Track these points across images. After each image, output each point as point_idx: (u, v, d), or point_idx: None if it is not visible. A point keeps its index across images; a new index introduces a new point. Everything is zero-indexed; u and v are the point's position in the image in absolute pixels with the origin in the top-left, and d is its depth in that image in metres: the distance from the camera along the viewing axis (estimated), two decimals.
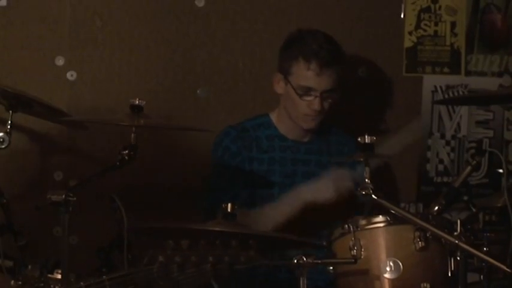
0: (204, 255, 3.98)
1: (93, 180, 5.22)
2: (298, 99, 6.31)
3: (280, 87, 6.43)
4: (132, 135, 5.39)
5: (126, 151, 5.34)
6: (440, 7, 6.97)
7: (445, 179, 6.71)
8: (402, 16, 7.01)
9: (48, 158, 5.83)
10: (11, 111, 5.54)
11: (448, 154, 6.99)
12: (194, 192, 6.57)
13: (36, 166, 5.79)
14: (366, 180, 5.24)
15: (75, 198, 4.90)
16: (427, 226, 5.14)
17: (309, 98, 6.27)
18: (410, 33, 7.00)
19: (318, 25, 6.63)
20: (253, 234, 5.25)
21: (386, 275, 5.15)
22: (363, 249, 5.17)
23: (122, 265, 5.42)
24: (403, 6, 6.96)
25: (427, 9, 6.95)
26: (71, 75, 6.63)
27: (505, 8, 6.89)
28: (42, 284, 5.31)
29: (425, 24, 7.00)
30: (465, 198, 5.62)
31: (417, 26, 6.99)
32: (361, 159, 5.40)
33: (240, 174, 6.15)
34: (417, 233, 5.16)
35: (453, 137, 7.02)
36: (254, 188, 6.26)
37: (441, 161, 6.82)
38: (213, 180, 6.34)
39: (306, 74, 6.27)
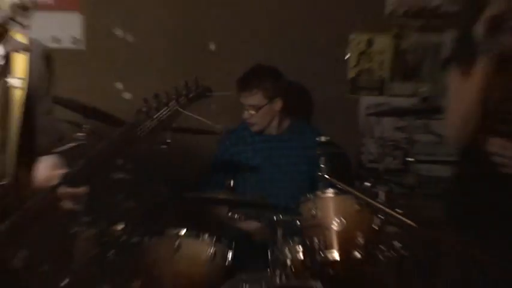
0: None
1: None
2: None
3: None
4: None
5: None
6: (373, 50, 7.22)
7: (374, 165, 7.06)
8: (347, 56, 7.22)
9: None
10: (86, 119, 5.62)
11: (376, 148, 7.24)
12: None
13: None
14: (322, 166, 5.82)
15: None
16: (361, 195, 5.40)
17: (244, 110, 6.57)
18: (352, 68, 7.22)
19: (279, 61, 6.72)
20: (245, 201, 6.16)
21: (334, 227, 5.63)
22: (319, 210, 5.71)
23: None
24: (348, 50, 7.17)
25: (364, 52, 7.19)
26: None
27: (417, 50, 7.29)
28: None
29: (363, 62, 7.22)
30: (387, 177, 6.20)
31: (357, 64, 7.20)
32: (319, 152, 5.86)
33: (230, 163, 6.37)
34: (355, 201, 5.66)
35: (379, 137, 7.24)
36: (242, 172, 6.40)
37: (371, 154, 7.13)
38: (211, 174, 6.55)
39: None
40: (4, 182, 3.79)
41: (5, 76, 3.73)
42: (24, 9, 3.52)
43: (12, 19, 3.50)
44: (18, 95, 3.78)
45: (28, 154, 3.90)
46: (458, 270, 4.22)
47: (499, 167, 3.86)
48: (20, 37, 3.80)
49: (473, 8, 3.90)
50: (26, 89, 3.79)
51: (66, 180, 3.70)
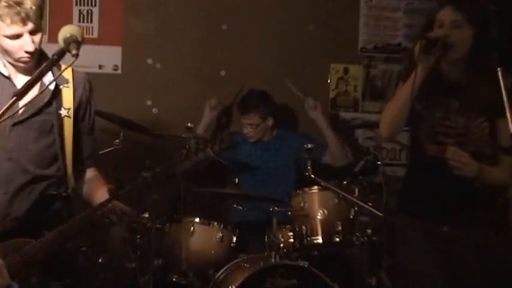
0: None
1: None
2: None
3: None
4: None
5: None
6: (348, 76, 7.14)
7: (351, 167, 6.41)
8: (328, 81, 7.12)
9: (140, 153, 5.94)
10: (122, 128, 5.67)
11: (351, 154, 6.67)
12: None
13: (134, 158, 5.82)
14: (309, 167, 5.69)
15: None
16: (339, 191, 5.60)
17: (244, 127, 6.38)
18: (332, 90, 7.13)
19: (276, 84, 6.67)
20: (248, 195, 6.08)
21: (318, 217, 5.66)
22: (306, 203, 5.71)
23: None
24: (329, 75, 7.07)
25: (341, 78, 7.13)
26: None
27: (383, 77, 7.25)
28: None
29: (340, 86, 7.14)
30: (360, 177, 6.19)
31: (336, 87, 7.12)
32: (307, 156, 5.76)
33: (234, 164, 6.21)
34: (335, 195, 5.68)
35: (354, 145, 6.99)
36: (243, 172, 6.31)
37: (348, 157, 6.65)
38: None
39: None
40: (67, 193, 3.80)
41: (59, 109, 3.70)
42: (76, 43, 3.41)
43: (66, 50, 3.39)
44: (68, 123, 3.75)
45: (78, 168, 3.90)
46: (412, 248, 4.20)
47: (452, 170, 3.85)
48: (67, 73, 3.74)
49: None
50: (73, 115, 3.75)
51: (117, 197, 3.71)
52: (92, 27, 6.59)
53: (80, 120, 3.86)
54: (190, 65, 6.88)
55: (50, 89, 3.68)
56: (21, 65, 3.64)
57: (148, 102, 6.71)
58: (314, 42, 7.08)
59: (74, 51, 3.37)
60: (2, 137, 3.61)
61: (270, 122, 6.44)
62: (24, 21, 3.48)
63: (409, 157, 4.28)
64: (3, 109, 3.11)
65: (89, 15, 6.59)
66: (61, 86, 3.73)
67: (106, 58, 6.66)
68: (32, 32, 3.54)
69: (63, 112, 3.73)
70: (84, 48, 3.68)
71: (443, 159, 3.91)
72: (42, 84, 3.59)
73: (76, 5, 6.54)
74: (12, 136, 3.63)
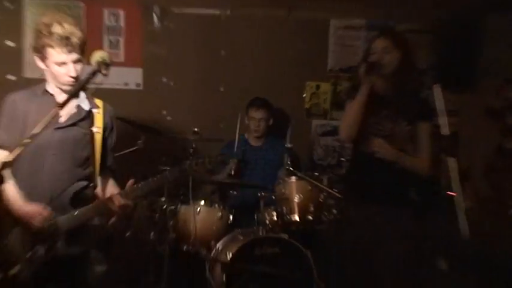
0: None
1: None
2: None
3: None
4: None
5: None
6: (320, 91, 7.06)
7: (320, 162, 6.94)
8: (304, 95, 7.02)
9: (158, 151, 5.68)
10: (142, 132, 5.60)
11: (321, 152, 7.00)
12: None
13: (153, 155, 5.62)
14: (288, 162, 5.70)
15: None
16: (312, 181, 5.54)
17: (252, 123, 6.38)
18: (307, 102, 7.06)
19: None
20: (243, 183, 6.09)
21: (295, 200, 5.59)
22: (286, 189, 5.68)
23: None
24: (304, 91, 7.00)
25: (314, 93, 7.04)
26: None
27: (348, 93, 7.11)
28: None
29: (313, 99, 7.06)
30: (328, 170, 6.13)
31: (310, 100, 7.03)
32: (287, 151, 5.73)
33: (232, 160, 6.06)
34: (308, 183, 5.61)
35: (324, 145, 7.03)
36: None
37: (318, 155, 6.98)
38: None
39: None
40: (93, 185, 3.96)
41: (92, 126, 3.85)
42: (105, 65, 3.50)
43: (98, 71, 3.47)
44: (98, 138, 3.91)
45: (102, 171, 4.04)
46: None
47: (375, 156, 4.10)
48: (98, 101, 3.99)
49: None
50: (102, 134, 3.92)
51: (128, 194, 3.90)
52: (119, 53, 6.55)
53: (107, 138, 4.01)
54: (196, 83, 6.83)
55: (85, 110, 3.86)
56: (66, 87, 3.77)
57: (164, 112, 6.67)
58: (293, 65, 7.01)
59: (104, 72, 3.46)
60: (47, 137, 3.68)
61: (270, 122, 6.43)
62: (70, 52, 3.65)
63: (351, 153, 4.34)
64: (47, 117, 3.22)
65: (117, 43, 6.55)
66: (94, 110, 3.89)
67: (130, 77, 6.62)
68: (75, 61, 3.69)
69: (95, 129, 3.87)
70: (113, 70, 3.78)
71: (372, 154, 4.12)
72: (79, 105, 3.81)
73: (106, 35, 6.49)
74: (55, 138, 3.74)
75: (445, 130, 3.78)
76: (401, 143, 4.10)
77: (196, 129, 5.63)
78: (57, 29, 3.63)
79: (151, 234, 5.81)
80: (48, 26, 3.63)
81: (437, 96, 3.85)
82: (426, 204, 6.20)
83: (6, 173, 3.61)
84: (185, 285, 5.90)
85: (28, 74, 6.27)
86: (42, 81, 5.21)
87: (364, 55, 4.19)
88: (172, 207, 5.80)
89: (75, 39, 3.67)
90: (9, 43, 6.27)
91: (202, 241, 5.72)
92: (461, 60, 6.70)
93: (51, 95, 3.83)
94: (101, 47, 6.38)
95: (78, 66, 3.75)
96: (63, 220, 3.72)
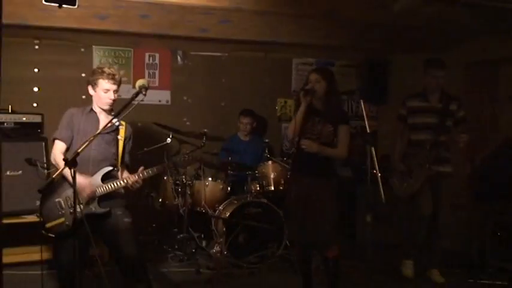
0: None
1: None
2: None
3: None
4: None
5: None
6: (287, 105, 6.99)
7: (287, 151, 6.51)
8: (276, 108, 6.97)
9: (180, 144, 5.69)
10: (170, 132, 5.45)
11: (288, 144, 6.52)
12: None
13: (176, 147, 5.66)
14: (266, 152, 5.84)
15: None
16: (282, 163, 5.62)
17: (242, 125, 6.23)
18: (278, 112, 6.96)
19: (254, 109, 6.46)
20: (237, 165, 5.88)
21: (271, 176, 5.62)
22: (265, 169, 5.69)
23: None
24: (277, 105, 6.97)
25: (283, 106, 6.98)
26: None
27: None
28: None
29: (283, 110, 7.00)
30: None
31: (280, 110, 6.98)
32: (265, 144, 5.91)
33: (229, 150, 5.97)
34: (280, 165, 5.65)
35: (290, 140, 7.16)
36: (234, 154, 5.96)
37: (286, 146, 6.65)
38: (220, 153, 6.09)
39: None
40: (116, 170, 4.03)
41: (117, 135, 3.97)
42: (145, 88, 3.71)
43: (139, 92, 3.68)
44: (121, 143, 4.00)
45: (122, 164, 4.09)
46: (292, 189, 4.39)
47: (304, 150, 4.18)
48: (123, 122, 4.03)
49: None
50: (123, 141, 4.00)
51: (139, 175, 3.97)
52: (155, 81, 6.44)
53: (126, 144, 4.05)
54: (206, 100, 6.73)
55: (115, 125, 3.92)
56: (106, 107, 3.93)
57: (184, 119, 6.56)
58: (269, 88, 6.96)
59: (143, 92, 3.69)
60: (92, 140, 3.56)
61: (254, 124, 6.31)
62: (113, 84, 3.88)
63: (296, 146, 4.30)
64: (106, 124, 3.50)
65: (154, 74, 6.44)
66: (120, 126, 3.98)
67: (162, 96, 6.49)
68: (114, 91, 3.90)
69: (119, 137, 3.98)
70: (151, 92, 4.47)
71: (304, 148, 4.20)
72: (112, 123, 3.76)
73: (147, 69, 6.40)
74: (96, 141, 3.70)
75: (368, 129, 3.80)
76: (326, 139, 4.19)
77: (205, 130, 5.56)
78: (106, 69, 3.88)
79: (175, 200, 5.73)
80: (102, 67, 3.92)
81: (362, 107, 3.91)
82: (357, 178, 6.25)
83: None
84: (198, 234, 5.83)
85: None
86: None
87: (304, 84, 4.29)
88: (190, 182, 5.71)
89: (116, 77, 3.89)
90: (83, 74, 6.07)
91: (209, 205, 5.65)
92: (378, 84, 6.69)
93: (95, 112, 3.96)
94: (142, 77, 6.25)
95: (116, 94, 3.91)
96: (98, 190, 3.83)
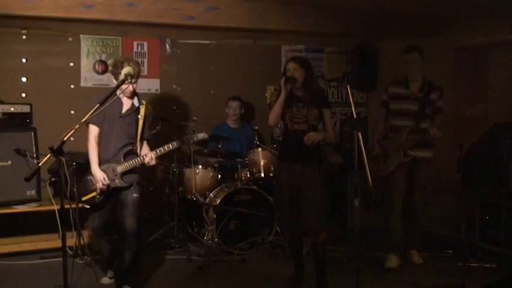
0: None
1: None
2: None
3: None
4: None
5: None
6: (276, 92, 6.15)
7: (277, 138, 6.40)
8: (266, 95, 6.93)
9: (170, 132, 5.53)
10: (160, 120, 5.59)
11: (278, 131, 6.44)
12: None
13: (166, 135, 5.47)
14: (256, 139, 5.83)
15: None
16: (272, 150, 5.57)
17: (231, 110, 6.21)
18: (268, 99, 6.89)
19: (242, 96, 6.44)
20: (226, 152, 5.86)
21: (261, 163, 5.61)
22: (255, 156, 5.67)
23: None
24: (266, 92, 6.95)
25: (272, 93, 6.86)
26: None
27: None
28: None
29: (272, 97, 6.82)
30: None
31: (270, 97, 6.88)
32: (255, 131, 5.91)
33: (219, 138, 5.93)
34: (269, 152, 5.65)
35: (279, 127, 6.02)
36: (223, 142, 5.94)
37: (276, 133, 6.54)
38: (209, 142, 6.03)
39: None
40: (136, 147, 4.39)
41: (138, 114, 4.32)
42: (131, 76, 4.03)
43: (125, 80, 3.97)
44: (141, 122, 4.35)
45: (142, 140, 4.45)
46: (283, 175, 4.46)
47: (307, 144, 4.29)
48: (143, 101, 4.41)
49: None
50: (143, 119, 4.34)
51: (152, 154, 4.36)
52: (144, 69, 6.36)
53: (146, 122, 4.40)
54: (195, 88, 6.71)
55: (136, 106, 4.33)
56: (128, 95, 4.28)
57: (174, 107, 6.56)
58: (259, 75, 6.95)
59: (129, 80, 4.07)
60: (115, 121, 4.26)
61: (242, 110, 6.29)
62: (133, 79, 4.18)
63: (282, 132, 4.50)
64: (92, 111, 3.39)
65: (142, 63, 6.36)
66: (140, 106, 4.33)
67: (152, 85, 6.46)
68: (134, 82, 4.21)
69: (139, 117, 4.32)
70: (140, 80, 4.41)
71: (296, 131, 4.34)
72: (133, 103, 4.31)
73: (135, 57, 6.19)
74: (119, 121, 4.27)
75: (355, 115, 3.84)
76: (314, 121, 4.32)
77: (195, 118, 5.64)
78: (124, 70, 4.11)
79: (166, 188, 5.78)
80: (123, 62, 4.18)
81: (349, 93, 3.96)
82: (348, 164, 6.28)
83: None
84: (189, 222, 5.87)
85: (83, 84, 6.17)
86: (92, 89, 6.05)
87: (283, 72, 4.40)
88: (180, 170, 5.73)
89: (134, 74, 4.16)
90: (71, 64, 6.16)
91: (200, 192, 5.68)
92: (368, 70, 6.71)
93: (118, 98, 4.18)
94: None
95: (135, 85, 4.24)
96: (120, 167, 4.24)
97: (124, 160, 4.26)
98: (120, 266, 4.37)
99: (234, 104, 6.25)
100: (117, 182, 4.25)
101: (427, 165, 5.12)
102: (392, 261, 5.10)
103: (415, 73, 5.06)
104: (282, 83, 4.26)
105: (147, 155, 4.27)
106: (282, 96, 4.27)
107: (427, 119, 4.99)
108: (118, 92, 4.08)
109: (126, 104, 4.30)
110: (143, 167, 4.36)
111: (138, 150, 4.38)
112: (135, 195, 4.27)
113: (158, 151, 4.34)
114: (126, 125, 4.28)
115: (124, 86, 4.10)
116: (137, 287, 4.38)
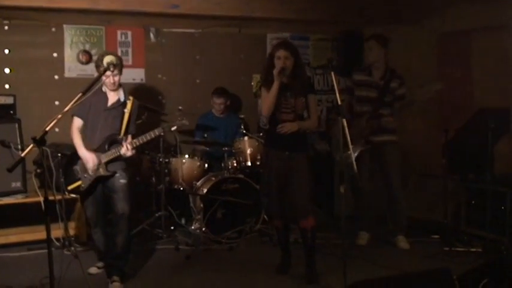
0: None
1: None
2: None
3: None
4: None
5: None
6: None
7: (264, 127, 6.48)
8: (252, 84, 6.95)
9: (155, 123, 5.88)
10: (146, 111, 5.69)
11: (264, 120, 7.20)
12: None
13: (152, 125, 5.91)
14: (242, 127, 5.85)
15: None
16: (258, 139, 5.58)
17: (215, 106, 6.19)
18: (254, 88, 6.94)
19: (227, 86, 6.44)
20: (212, 142, 5.89)
21: (248, 152, 5.60)
22: (241, 145, 5.66)
23: None
24: (252, 81, 6.94)
25: (258, 81, 6.72)
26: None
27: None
28: None
29: (258, 85, 6.68)
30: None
31: (256, 86, 6.89)
32: (240, 120, 5.94)
33: (205, 127, 5.95)
34: (255, 141, 5.64)
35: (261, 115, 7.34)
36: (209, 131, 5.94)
37: (263, 122, 6.61)
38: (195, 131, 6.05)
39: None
40: (123, 139, 4.37)
41: (124, 109, 4.35)
42: (113, 65, 4.04)
43: (107, 69, 4.01)
44: (126, 116, 4.37)
45: (126, 134, 4.40)
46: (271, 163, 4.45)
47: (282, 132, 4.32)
48: (130, 97, 4.44)
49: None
50: (129, 113, 4.36)
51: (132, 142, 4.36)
52: (128, 59, 6.34)
53: (132, 116, 4.40)
54: (180, 77, 6.70)
55: (121, 100, 4.39)
56: (111, 88, 4.35)
57: (159, 97, 6.56)
58: (244, 64, 6.94)
59: (111, 69, 4.09)
60: (100, 114, 4.36)
61: (228, 103, 6.28)
62: (113, 70, 4.17)
63: (269, 120, 4.42)
64: (74, 101, 3.40)
65: (127, 52, 6.37)
66: (127, 101, 4.38)
67: (136, 75, 6.43)
68: (115, 75, 4.27)
69: (125, 111, 4.35)
70: (125, 70, 4.48)
71: (284, 121, 4.32)
72: (119, 98, 4.39)
73: (119, 47, 6.32)
74: (103, 115, 4.35)
75: (339, 101, 3.85)
76: (300, 111, 4.33)
77: (180, 108, 5.54)
78: (106, 58, 4.19)
79: (153, 178, 5.78)
80: (104, 54, 4.26)
81: (333, 79, 3.98)
82: (335, 151, 6.27)
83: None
84: (176, 211, 5.86)
85: (67, 75, 6.16)
86: (76, 79, 6.06)
87: (269, 57, 4.38)
88: (166, 159, 5.73)
89: (117, 63, 4.20)
90: (55, 54, 6.14)
91: (187, 182, 5.69)
92: (353, 57, 6.71)
93: (104, 92, 4.36)
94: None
95: (117, 77, 4.29)
96: (104, 156, 4.31)
97: (109, 150, 4.33)
98: (111, 252, 4.40)
99: (219, 100, 6.22)
100: (101, 171, 4.32)
101: (393, 148, 5.25)
102: (363, 238, 5.37)
103: (373, 61, 5.23)
104: (275, 73, 4.22)
105: (123, 145, 4.28)
106: (276, 86, 4.23)
107: (386, 106, 5.15)
108: (103, 88, 4.25)
109: (112, 97, 4.38)
110: (126, 157, 4.38)
111: (123, 143, 4.37)
112: (122, 180, 4.33)
113: (140, 139, 4.34)
114: (111, 118, 4.35)
115: (105, 78, 4.16)
116: (126, 278, 4.40)
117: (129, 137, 4.40)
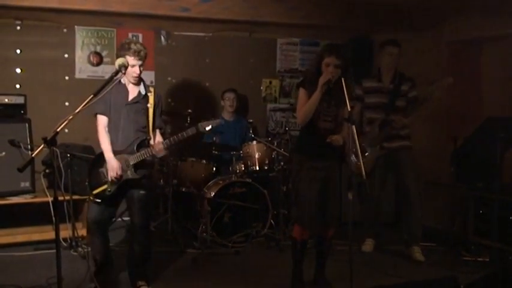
0: None
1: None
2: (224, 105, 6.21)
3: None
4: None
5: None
6: (272, 85, 6.98)
7: (272, 131, 6.83)
8: (261, 88, 6.98)
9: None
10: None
11: (273, 124, 6.88)
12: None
13: None
14: (251, 132, 5.87)
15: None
16: (267, 143, 5.59)
17: (227, 102, 6.16)
18: (263, 92, 6.95)
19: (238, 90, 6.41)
20: (222, 145, 5.87)
21: (256, 156, 5.58)
22: (250, 149, 5.64)
23: None
24: (262, 85, 6.99)
25: (268, 86, 6.98)
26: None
27: (289, 85, 7.03)
28: None
29: (268, 90, 6.96)
30: (277, 136, 6.10)
31: (265, 90, 6.97)
32: (249, 124, 5.95)
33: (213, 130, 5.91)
34: (264, 145, 5.62)
35: (275, 120, 6.91)
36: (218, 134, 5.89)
37: (272, 127, 6.86)
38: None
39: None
40: (149, 138, 4.18)
41: (147, 103, 4.12)
42: (124, 67, 3.76)
43: (119, 71, 3.68)
44: (151, 110, 4.14)
45: (154, 129, 4.21)
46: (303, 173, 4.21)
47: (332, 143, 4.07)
48: (152, 88, 4.23)
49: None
50: (153, 108, 4.14)
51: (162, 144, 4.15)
52: None
53: (156, 110, 4.18)
54: (189, 80, 6.72)
55: (142, 94, 4.14)
56: (132, 80, 4.10)
57: (169, 100, 6.55)
58: (254, 68, 6.97)
59: (123, 71, 3.75)
60: (121, 110, 4.08)
61: (237, 102, 6.25)
62: (139, 60, 4.01)
63: (302, 127, 4.21)
64: (86, 102, 3.22)
65: None
66: (148, 94, 4.14)
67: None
68: (140, 66, 4.05)
69: (149, 106, 4.12)
70: None
71: (325, 129, 4.08)
72: (140, 91, 4.14)
73: None
74: (125, 109, 4.09)
75: (349, 108, 3.77)
76: (341, 121, 4.12)
77: (190, 111, 5.60)
78: (133, 46, 4.00)
79: (161, 180, 5.79)
80: (129, 43, 4.02)
81: (343, 85, 3.80)
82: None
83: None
84: (183, 214, 5.86)
85: (77, 76, 6.20)
86: (86, 81, 6.07)
87: (317, 62, 4.09)
88: (175, 162, 5.72)
89: (142, 53, 4.01)
90: (66, 55, 6.18)
91: (195, 185, 5.68)
92: (362, 63, 6.69)
93: (123, 84, 4.12)
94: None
95: (141, 68, 4.07)
96: (132, 158, 4.06)
97: (137, 151, 4.07)
98: (131, 260, 4.28)
99: (231, 95, 6.21)
100: (129, 174, 4.07)
101: (407, 153, 5.14)
102: (369, 245, 5.34)
103: (390, 66, 5.13)
104: (320, 82, 3.93)
105: (156, 145, 4.07)
106: (317, 97, 3.95)
107: (398, 111, 5.03)
108: (122, 79, 4.06)
109: (132, 91, 4.12)
110: (154, 158, 4.24)
111: (152, 141, 4.16)
112: (141, 192, 4.09)
113: (172, 139, 4.11)
114: (133, 113, 4.08)
115: (129, 69, 3.95)
116: (151, 282, 4.30)
117: (159, 135, 4.24)
